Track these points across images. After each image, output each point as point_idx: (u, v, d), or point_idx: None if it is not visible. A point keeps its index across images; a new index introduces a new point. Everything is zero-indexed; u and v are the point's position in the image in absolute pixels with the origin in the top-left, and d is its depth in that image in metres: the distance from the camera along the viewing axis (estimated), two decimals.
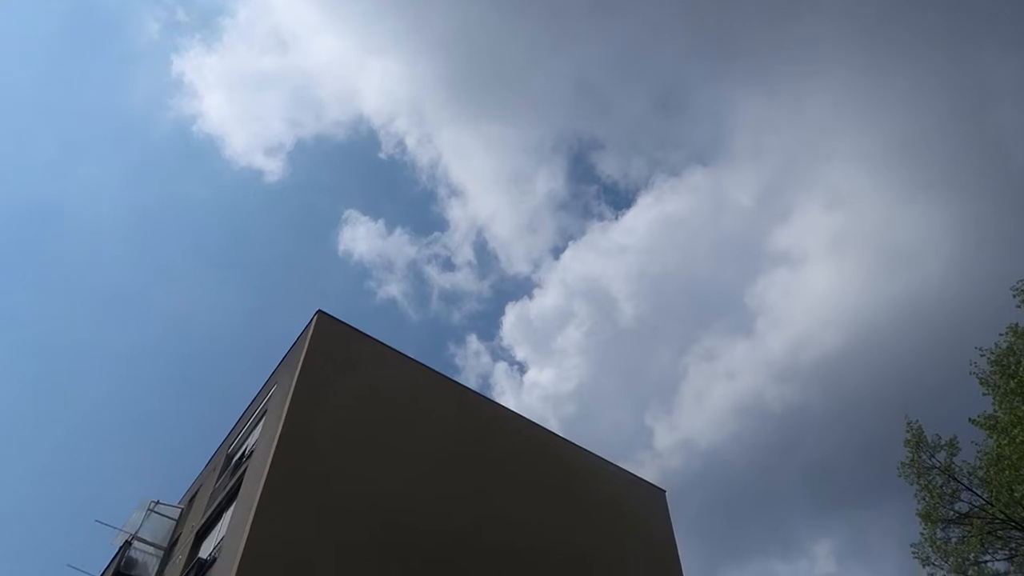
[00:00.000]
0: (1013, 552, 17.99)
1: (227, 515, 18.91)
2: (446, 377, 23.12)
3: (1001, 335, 18.43)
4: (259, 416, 21.19)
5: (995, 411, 17.98)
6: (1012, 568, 18.30)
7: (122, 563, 22.49)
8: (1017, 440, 16.00)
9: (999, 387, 17.80)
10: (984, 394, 18.45)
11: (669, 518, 25.25)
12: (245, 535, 15.49)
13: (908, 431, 19.24)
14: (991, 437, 17.42)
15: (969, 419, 18.04)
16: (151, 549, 23.17)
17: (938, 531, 18.40)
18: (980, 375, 18.53)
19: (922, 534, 18.48)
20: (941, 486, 18.58)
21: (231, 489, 19.34)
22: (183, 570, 19.41)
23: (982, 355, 18.65)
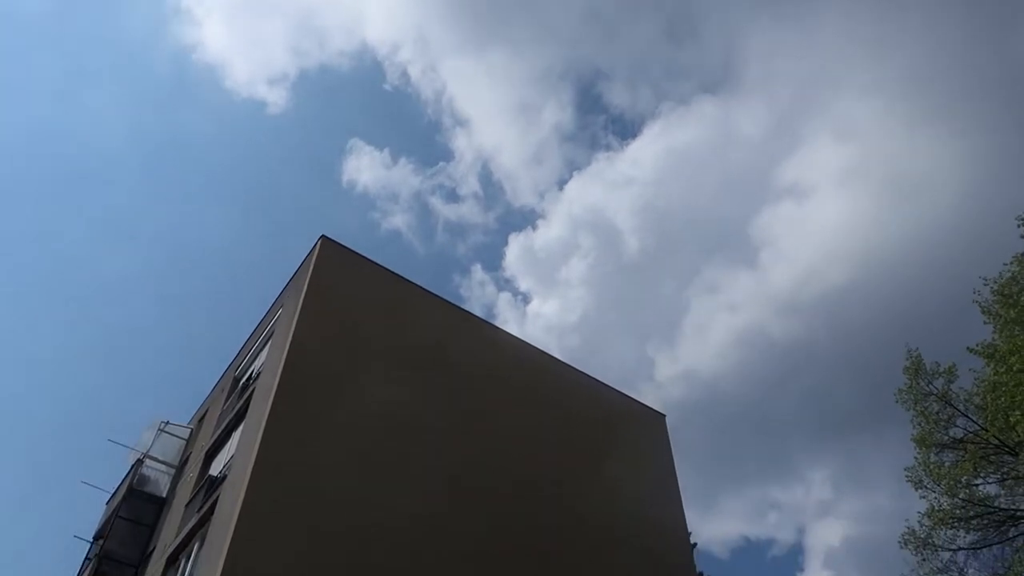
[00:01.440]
0: (1004, 476, 18.41)
1: (236, 435, 19.35)
2: (447, 301, 23.28)
3: (1006, 265, 18.41)
4: (265, 339, 21.45)
5: (995, 340, 18.12)
6: (1003, 491, 18.77)
7: (135, 480, 23.13)
8: (1014, 368, 16.17)
9: (1000, 316, 17.88)
10: (985, 323, 18.55)
11: (669, 443, 25.69)
12: (254, 453, 15.88)
13: (907, 358, 19.45)
14: (989, 365, 17.60)
15: (968, 348, 18.19)
16: (163, 467, 23.79)
17: (932, 455, 18.79)
18: (983, 304, 18.57)
19: (916, 458, 18.90)
20: (937, 412, 18.89)
21: (239, 410, 19.73)
22: (195, 487, 19.97)
23: (986, 284, 18.66)
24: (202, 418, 24.63)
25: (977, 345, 17.96)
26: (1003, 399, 16.41)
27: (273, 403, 16.79)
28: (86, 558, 23.51)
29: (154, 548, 20.98)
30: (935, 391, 19.15)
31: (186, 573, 17.26)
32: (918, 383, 19.25)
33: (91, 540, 24.31)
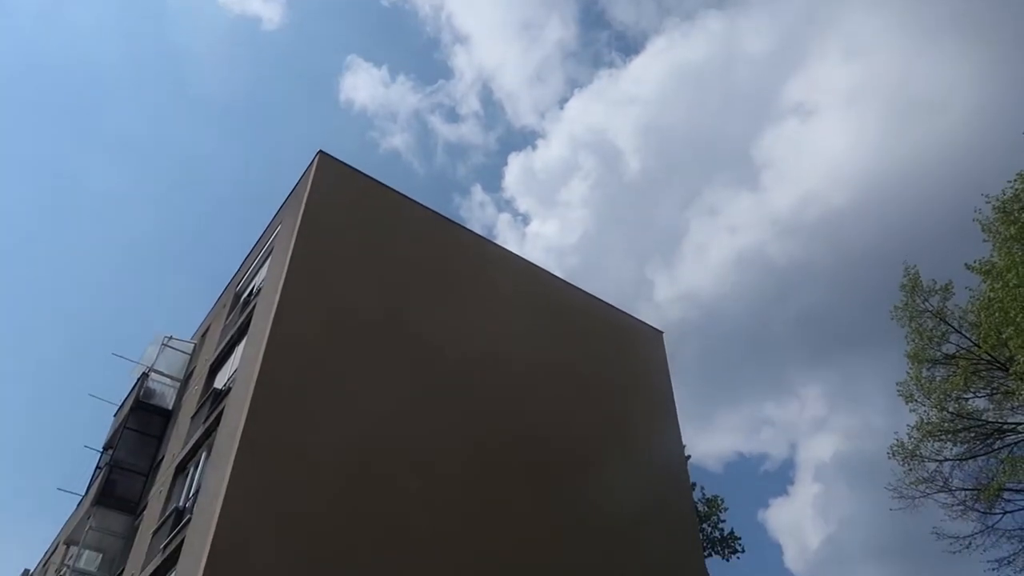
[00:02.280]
0: (994, 390, 18.79)
1: (239, 349, 19.62)
2: (446, 218, 23.21)
3: (1009, 182, 18.26)
4: (265, 255, 21.47)
5: (992, 257, 18.15)
6: (991, 405, 19.20)
7: (141, 393, 23.57)
8: (1010, 284, 16.24)
9: (999, 233, 17.86)
10: (984, 241, 18.54)
11: (666, 359, 26.05)
12: (257, 367, 16.13)
13: (905, 275, 19.54)
14: (985, 282, 17.69)
15: (966, 264, 18.25)
16: (168, 381, 24.20)
17: (924, 371, 19.12)
18: (983, 222, 18.50)
19: (908, 373, 19.24)
20: (931, 329, 19.10)
21: (241, 325, 19.93)
22: (200, 399, 20.36)
23: (987, 202, 18.56)
24: (204, 333, 24.90)
25: (975, 262, 18.01)
26: (997, 315, 16.57)
27: (274, 318, 16.96)
28: (97, 467, 24.21)
29: (162, 458, 21.56)
30: (930, 308, 19.32)
31: (195, 481, 17.79)
32: (914, 300, 19.40)
33: (101, 450, 24.99)
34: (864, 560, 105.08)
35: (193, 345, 25.33)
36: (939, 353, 19.15)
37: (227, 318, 22.38)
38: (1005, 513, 18.62)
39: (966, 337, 18.89)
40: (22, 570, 36.37)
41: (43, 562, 32.04)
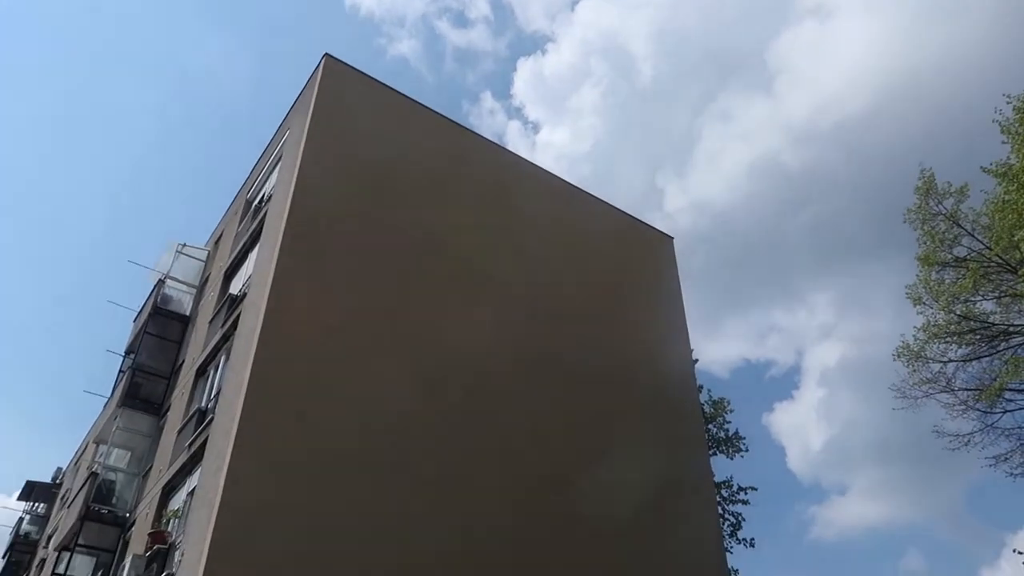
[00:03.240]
0: (1002, 293, 18.87)
1: (252, 255, 19.83)
2: (455, 122, 22.92)
3: None
4: (275, 161, 21.40)
5: (1010, 159, 17.89)
6: (998, 308, 19.32)
7: (158, 300, 24.01)
8: None
9: (1019, 135, 17.53)
10: (1004, 143, 18.22)
11: (675, 266, 26.14)
12: (271, 272, 16.36)
13: (920, 178, 19.32)
14: (1001, 184, 17.50)
15: (982, 167, 18.01)
16: (183, 287, 24.59)
17: (933, 273, 19.16)
18: (1003, 124, 18.13)
19: (918, 276, 19.30)
20: (943, 232, 19.02)
21: (254, 232, 20.08)
22: (216, 305, 20.75)
23: (1008, 103, 18.13)
24: (218, 240, 25.12)
25: (992, 164, 17.77)
26: (1010, 217, 16.47)
27: (286, 223, 17.08)
28: (120, 370, 24.95)
29: (183, 361, 22.17)
30: (944, 211, 19.18)
31: (215, 383, 18.35)
32: (928, 203, 19.25)
33: (123, 355, 25.68)
34: (865, 461, 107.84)
35: (207, 252, 25.60)
36: (950, 256, 19.14)
37: (239, 225, 22.53)
38: (1005, 412, 19.06)
39: (978, 240, 18.83)
40: (55, 468, 38.08)
41: (75, 461, 33.48)
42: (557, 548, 16.62)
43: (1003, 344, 18.93)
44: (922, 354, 19.12)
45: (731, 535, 29.53)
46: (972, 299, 18.93)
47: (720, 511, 27.06)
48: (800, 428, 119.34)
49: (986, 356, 18.97)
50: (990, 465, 19.16)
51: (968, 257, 18.82)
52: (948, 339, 18.97)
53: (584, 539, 17.20)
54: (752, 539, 30.00)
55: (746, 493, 30.48)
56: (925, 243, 19.19)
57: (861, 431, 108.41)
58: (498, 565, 15.68)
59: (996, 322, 18.89)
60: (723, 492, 29.78)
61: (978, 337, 19.00)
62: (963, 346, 19.07)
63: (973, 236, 18.88)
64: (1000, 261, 18.35)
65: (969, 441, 19.21)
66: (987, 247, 18.30)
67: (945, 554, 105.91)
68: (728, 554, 24.50)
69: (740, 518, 30.55)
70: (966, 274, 18.22)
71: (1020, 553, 17.65)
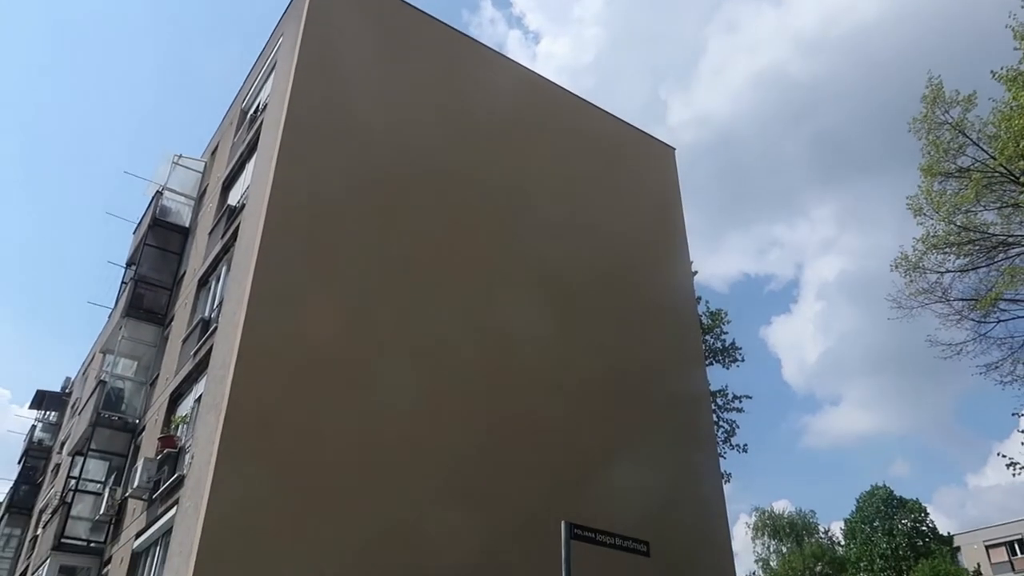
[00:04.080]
0: (1004, 204, 18.79)
1: (249, 165, 19.66)
2: (454, 28, 22.30)
3: None
4: (269, 69, 20.94)
5: (1020, 66, 17.48)
6: (999, 220, 19.27)
7: (157, 211, 23.94)
8: None
9: None
10: (1016, 50, 17.77)
11: (677, 176, 25.93)
12: (270, 182, 16.26)
13: (928, 86, 18.93)
14: (1010, 91, 17.17)
15: (991, 72, 17.61)
16: (182, 199, 24.48)
17: (936, 184, 19.03)
18: (1016, 28, 17.62)
19: (920, 187, 19.18)
20: (948, 141, 18.76)
21: (250, 142, 19.84)
22: (215, 216, 20.71)
23: (1023, 6, 17.56)
24: (214, 151, 24.85)
25: (1002, 69, 17.38)
26: (1017, 125, 16.22)
27: (283, 132, 16.86)
28: (123, 282, 25.11)
29: (184, 272, 22.30)
30: (950, 120, 18.86)
31: (217, 293, 18.52)
32: (934, 111, 18.91)
33: (124, 266, 25.79)
34: (859, 372, 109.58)
35: (204, 163, 25.36)
36: (953, 166, 18.94)
37: (235, 135, 22.23)
38: (999, 322, 19.30)
39: (983, 149, 18.59)
40: (64, 378, 38.84)
41: (83, 370, 34.12)
42: (555, 445, 17.14)
43: (1001, 255, 18.97)
44: (920, 264, 19.19)
45: (725, 441, 30.44)
46: (973, 210, 18.86)
47: (715, 419, 27.77)
48: (797, 341, 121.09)
49: (983, 267, 19.06)
50: (980, 373, 19.54)
51: (972, 167, 18.63)
52: (946, 250, 19.01)
53: (583, 444, 17.71)
54: (745, 445, 30.97)
55: (740, 401, 31.27)
56: (929, 153, 18.97)
57: (856, 343, 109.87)
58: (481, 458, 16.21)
59: (996, 233, 18.89)
60: (718, 401, 30.52)
61: (976, 248, 19.03)
62: (961, 257, 19.13)
63: (978, 146, 18.64)
64: (1004, 171, 18.18)
65: (961, 350, 19.52)
66: (992, 157, 18.09)
67: (932, 462, 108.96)
68: (722, 459, 25.30)
69: (734, 425, 31.43)
70: (969, 184, 18.09)
71: (1004, 456, 18.30)
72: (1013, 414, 22.21)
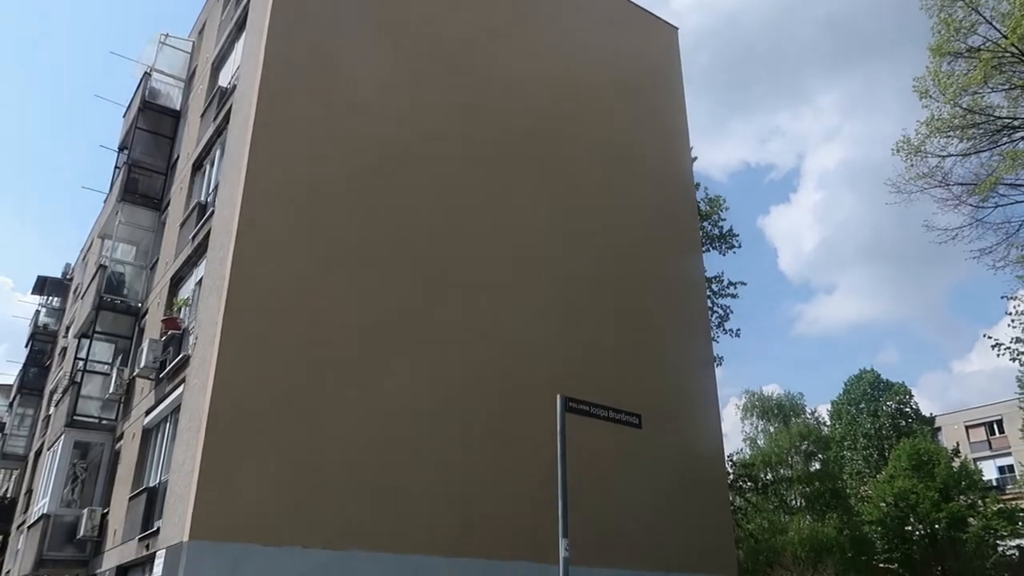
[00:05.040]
0: (1012, 86, 18.37)
1: (239, 44, 19.08)
2: None
3: None
4: None
5: None
6: (1006, 103, 18.90)
7: (147, 93, 23.38)
8: None
9: None
10: None
11: (679, 60, 25.18)
12: (261, 61, 15.81)
13: None
14: None
15: None
16: (171, 80, 23.86)
17: (944, 64, 18.54)
18: None
19: (928, 68, 18.66)
20: (960, 20, 18.14)
21: (238, 19, 19.18)
22: (206, 98, 20.27)
23: None
24: (201, 30, 24.03)
25: None
26: None
27: (272, 5, 16.27)
28: (116, 167, 24.84)
29: (178, 156, 22.03)
30: None
31: (212, 177, 18.36)
32: None
33: (117, 150, 25.45)
34: (854, 261, 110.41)
35: (191, 43, 24.57)
36: (963, 46, 18.38)
37: (222, 13, 21.43)
38: (996, 207, 19.27)
39: (995, 28, 17.99)
40: (64, 264, 39.06)
41: (82, 256, 34.28)
42: (552, 327, 17.50)
43: (1005, 139, 18.72)
44: (922, 148, 18.94)
45: (718, 326, 31.05)
46: (980, 92, 18.46)
47: (709, 304, 28.20)
48: (794, 231, 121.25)
49: (986, 151, 18.83)
50: (974, 258, 19.69)
51: (982, 47, 18.10)
52: (950, 133, 18.72)
53: (579, 327, 18.06)
54: (738, 330, 31.62)
55: (735, 288, 31.68)
56: (939, 32, 18.35)
57: (854, 233, 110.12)
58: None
59: (1001, 115, 18.56)
60: (713, 287, 30.91)
61: (980, 132, 18.74)
62: (964, 140, 18.87)
63: (991, 24, 18.03)
64: (1015, 51, 17.67)
65: (957, 235, 19.57)
66: (1003, 36, 17.55)
67: (920, 349, 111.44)
68: (714, 343, 25.88)
69: (728, 311, 31.97)
70: (977, 65, 17.63)
71: (989, 337, 18.75)
72: (1002, 297, 22.58)
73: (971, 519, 40.34)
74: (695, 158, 28.13)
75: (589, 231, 19.42)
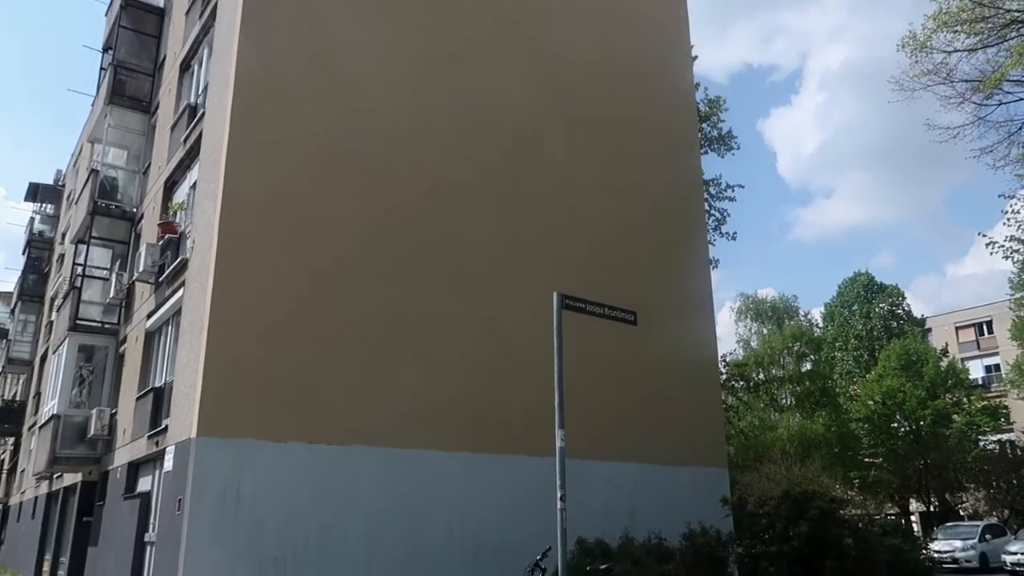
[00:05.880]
0: None
1: None
2: None
3: None
4: None
5: None
6: None
7: None
8: None
9: None
10: None
11: None
12: None
13: None
14: None
15: None
16: None
17: None
18: None
19: None
20: None
21: None
22: None
23: None
24: None
25: None
26: None
27: None
28: (101, 68, 24.20)
29: (164, 57, 21.43)
30: None
31: (201, 78, 17.92)
32: None
33: (101, 51, 24.73)
34: (853, 164, 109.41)
35: None
36: None
37: None
38: (1000, 104, 18.93)
39: None
40: (55, 171, 38.60)
41: (73, 162, 33.86)
42: (551, 228, 17.53)
43: (1013, 33, 18.18)
44: (927, 44, 18.43)
45: (715, 229, 31.06)
46: None
47: (706, 207, 28.11)
48: (794, 133, 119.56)
49: (993, 45, 18.33)
50: (975, 157, 19.50)
51: None
52: (957, 27, 18.16)
53: (578, 228, 18.06)
54: (734, 233, 31.64)
55: (733, 191, 31.52)
56: None
57: (854, 135, 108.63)
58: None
59: (1012, 8, 17.98)
60: (711, 190, 30.74)
61: (989, 26, 18.19)
62: (971, 35, 18.33)
63: None
64: None
65: (959, 134, 19.31)
66: None
67: (915, 253, 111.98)
68: (711, 246, 25.94)
69: (725, 214, 31.92)
70: None
71: (984, 236, 18.80)
72: (999, 195, 22.50)
73: (955, 416, 41.62)
74: (695, 57, 27.42)
75: (586, 132, 19.13)
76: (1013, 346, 47.03)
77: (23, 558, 26.36)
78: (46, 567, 22.52)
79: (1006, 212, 19.31)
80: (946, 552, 24.97)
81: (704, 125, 30.54)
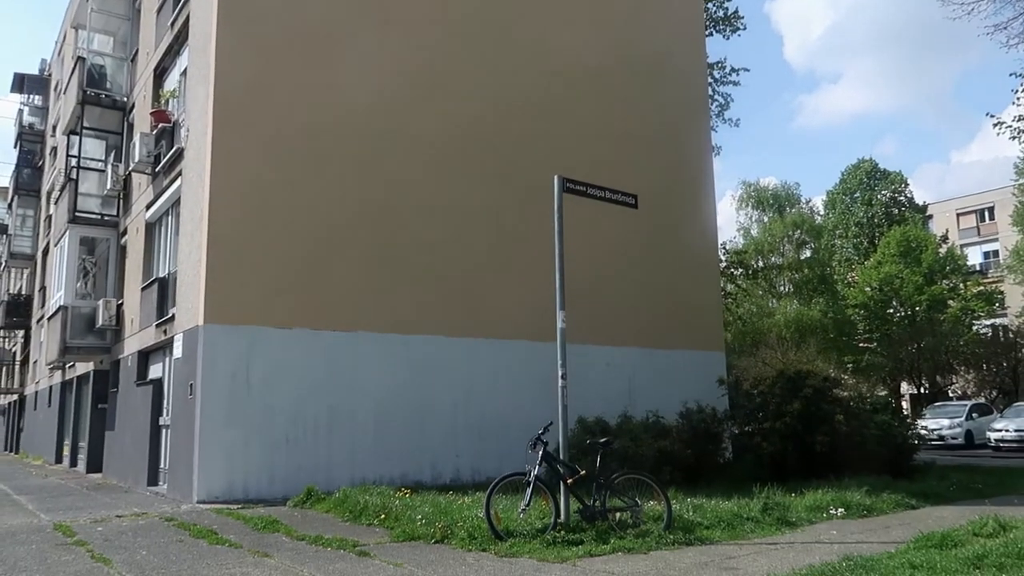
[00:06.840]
0: None
1: None
2: None
3: None
4: None
5: None
6: None
7: None
8: None
9: None
10: None
11: None
12: None
13: None
14: None
15: None
16: None
17: None
18: None
19: None
20: None
21: None
22: None
23: None
24: None
25: None
26: None
27: None
28: None
29: None
30: None
31: None
32: None
33: None
34: (862, 48, 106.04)
35: None
36: None
37: None
38: None
39: None
40: (40, 60, 37.46)
41: (58, 50, 32.82)
42: (550, 120, 17.21)
43: None
44: None
45: (718, 115, 30.48)
46: None
47: (710, 91, 27.44)
48: (803, 15, 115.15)
49: None
50: (988, 34, 19.19)
51: None
52: None
53: (576, 118, 17.70)
54: (738, 120, 31.13)
55: (737, 75, 30.72)
56: None
57: (864, 16, 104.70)
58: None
59: None
60: (715, 73, 29.93)
61: None
62: None
63: None
64: None
65: (973, 9, 18.47)
66: None
67: (921, 139, 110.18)
68: (713, 132, 25.51)
69: (728, 99, 31.24)
70: None
71: (992, 116, 18.47)
72: (1011, 74, 21.94)
73: (951, 301, 42.09)
74: None
75: (589, 16, 18.45)
76: (1013, 232, 47.03)
77: (43, 444, 27.36)
78: (66, 451, 23.40)
79: (1016, 91, 18.87)
80: (933, 430, 25.82)
81: (710, 4, 29.40)
